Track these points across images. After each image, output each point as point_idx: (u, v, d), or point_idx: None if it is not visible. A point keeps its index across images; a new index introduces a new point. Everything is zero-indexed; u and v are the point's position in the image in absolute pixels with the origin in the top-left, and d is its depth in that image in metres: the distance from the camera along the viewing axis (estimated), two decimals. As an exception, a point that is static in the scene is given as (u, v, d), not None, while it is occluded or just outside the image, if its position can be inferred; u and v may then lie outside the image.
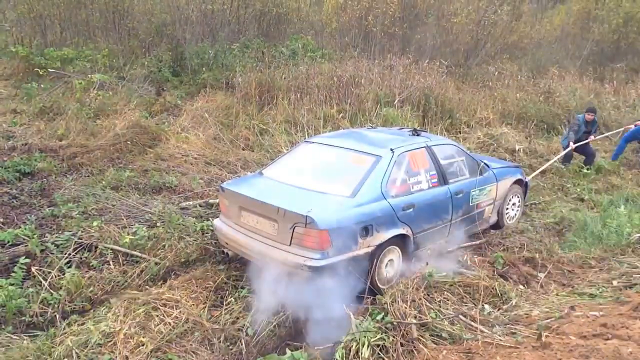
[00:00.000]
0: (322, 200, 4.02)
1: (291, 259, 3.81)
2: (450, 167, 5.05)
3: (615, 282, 4.40)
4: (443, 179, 4.88)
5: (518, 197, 6.12)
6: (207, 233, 5.08)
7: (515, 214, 6.14)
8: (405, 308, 3.57)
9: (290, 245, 3.89)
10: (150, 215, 5.26)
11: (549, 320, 3.44)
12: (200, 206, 5.72)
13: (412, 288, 3.71)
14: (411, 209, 4.39)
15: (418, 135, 5.16)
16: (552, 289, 4.47)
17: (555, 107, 10.90)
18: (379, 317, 3.56)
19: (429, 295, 3.75)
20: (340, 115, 9.12)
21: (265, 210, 4.08)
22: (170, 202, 5.79)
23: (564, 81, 12.93)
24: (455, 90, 11.09)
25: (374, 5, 12.93)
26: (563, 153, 8.24)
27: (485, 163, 5.59)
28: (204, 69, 11.29)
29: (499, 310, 3.79)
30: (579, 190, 7.24)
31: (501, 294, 3.95)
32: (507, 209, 5.96)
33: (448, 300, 3.79)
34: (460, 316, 3.57)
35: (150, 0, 12.72)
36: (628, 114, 11.25)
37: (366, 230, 3.99)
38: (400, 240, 4.32)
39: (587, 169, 7.94)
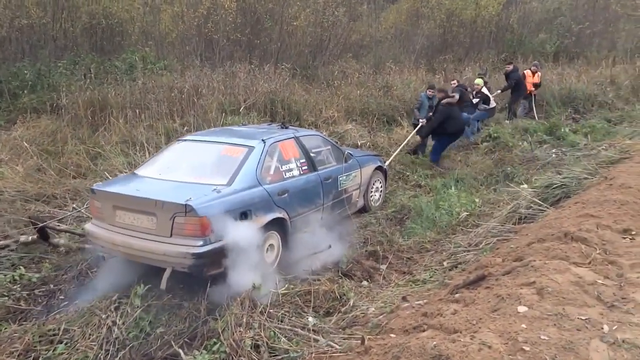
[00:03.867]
0: (200, 190, 4.08)
1: (173, 249, 3.85)
2: (318, 156, 5.51)
3: (445, 264, 4.67)
4: (312, 166, 5.31)
5: (380, 181, 6.82)
6: (19, 283, 4.35)
7: (379, 197, 6.79)
8: (241, 332, 3.34)
9: (171, 236, 3.90)
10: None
11: (381, 317, 3.46)
12: (12, 251, 4.90)
13: (247, 308, 3.48)
14: (286, 194, 4.72)
15: (286, 128, 5.63)
16: (393, 279, 4.61)
17: (394, 100, 11.58)
18: (214, 348, 3.29)
19: (266, 312, 3.55)
20: (185, 128, 8.63)
21: (141, 206, 4.04)
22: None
23: (402, 75, 13.87)
24: (301, 92, 11.20)
25: (212, 12, 12.54)
26: (413, 132, 8.94)
27: (349, 152, 6.12)
28: (24, 91, 9.92)
29: (338, 313, 3.75)
30: (416, 177, 7.69)
31: (340, 296, 3.93)
32: (371, 193, 6.59)
33: (288, 313, 3.65)
34: (298, 329, 3.44)
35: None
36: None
37: (245, 215, 4.16)
38: (278, 225, 4.57)
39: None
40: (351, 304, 3.83)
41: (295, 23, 13.72)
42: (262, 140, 4.82)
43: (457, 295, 3.18)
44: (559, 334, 2.40)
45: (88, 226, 4.45)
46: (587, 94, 12.89)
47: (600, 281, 2.99)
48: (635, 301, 2.78)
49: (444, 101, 8.33)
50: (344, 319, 3.64)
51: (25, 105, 9.34)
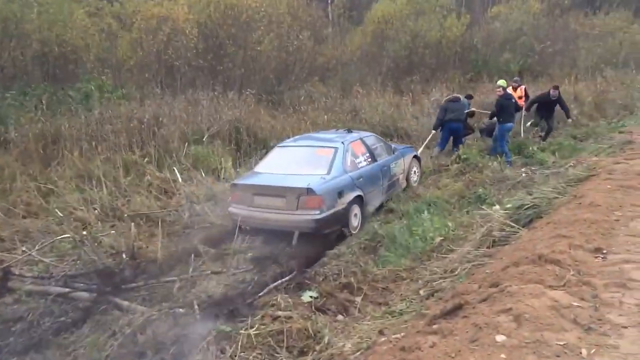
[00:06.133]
0: (311, 178, 6.33)
1: (301, 217, 6.15)
2: (376, 150, 7.80)
3: (421, 292, 4.68)
4: (374, 158, 7.60)
5: (416, 167, 9.08)
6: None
7: (417, 179, 8.98)
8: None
9: (297, 209, 6.16)
10: None
11: (358, 354, 3.43)
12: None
13: (215, 356, 3.39)
14: (361, 179, 7.00)
15: (352, 132, 7.97)
16: (369, 312, 4.60)
17: (362, 124, 11.76)
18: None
19: (236, 358, 3.47)
20: (145, 159, 8.53)
21: (274, 191, 6.37)
22: None
23: (369, 98, 14.13)
24: (267, 118, 11.27)
25: (172, 38, 12.57)
26: (430, 137, 10.76)
27: (394, 146, 8.59)
28: (-32, 126, 9.62)
29: (313, 352, 3.70)
30: (387, 201, 7.78)
31: (315, 334, 3.88)
32: (411, 175, 8.81)
33: (260, 356, 3.58)
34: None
35: None
36: (427, 124, 12.64)
37: (340, 194, 6.48)
38: (358, 200, 6.85)
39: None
40: (326, 341, 3.78)
41: (259, 48, 13.89)
42: (342, 142, 7.10)
43: (435, 327, 3.19)
44: (538, 363, 2.43)
45: (231, 208, 6.63)
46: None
47: (575, 303, 3.07)
48: (610, 322, 2.86)
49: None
50: (319, 359, 3.59)
51: (-31, 140, 9.05)
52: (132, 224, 6.25)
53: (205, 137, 9.41)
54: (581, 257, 3.76)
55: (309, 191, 6.10)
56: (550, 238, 4.21)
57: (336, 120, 11.60)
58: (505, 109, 9.86)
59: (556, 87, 11.14)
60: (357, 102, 12.99)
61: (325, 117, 11.67)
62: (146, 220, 6.97)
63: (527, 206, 5.50)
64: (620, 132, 10.90)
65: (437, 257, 5.55)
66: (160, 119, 9.57)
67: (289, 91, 14.28)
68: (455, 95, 11.02)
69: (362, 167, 7.18)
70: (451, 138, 10.60)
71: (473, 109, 11.26)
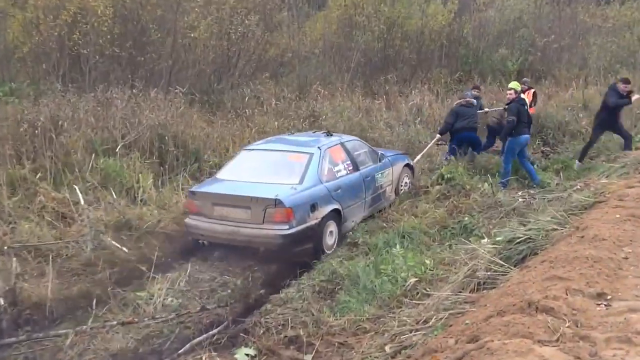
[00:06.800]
0: (280, 188, 6.94)
1: (266, 232, 6.77)
2: (359, 157, 8.50)
3: (387, 348, 4.69)
4: (355, 167, 8.29)
5: (408, 176, 9.94)
6: None
7: (407, 189, 9.75)
8: None
9: (263, 223, 6.75)
10: None
11: None
12: None
13: None
14: (339, 190, 7.66)
15: (331, 135, 8.58)
16: (321, 374, 4.56)
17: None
18: None
19: None
20: (38, 175, 8.30)
21: (238, 201, 6.99)
22: None
23: (333, 100, 14.25)
24: (202, 125, 11.23)
25: (80, 20, 12.35)
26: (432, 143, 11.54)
27: (382, 152, 9.20)
28: None
29: None
30: (351, 232, 7.81)
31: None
32: (401, 187, 9.63)
33: None
34: None
35: None
36: (403, 134, 12.85)
37: (313, 207, 7.10)
38: (335, 214, 7.52)
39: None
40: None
41: (193, 34, 13.81)
42: (318, 147, 7.73)
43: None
44: None
45: (187, 220, 7.26)
46: (557, 122, 13.88)
47: (570, 364, 3.12)
48: (611, 388, 2.92)
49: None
50: None
51: None
52: (14, 258, 6.08)
53: (119, 147, 9.23)
54: (580, 304, 3.83)
55: (277, 202, 6.65)
56: (544, 280, 4.30)
57: (289, 127, 11.64)
58: (520, 116, 9.99)
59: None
60: (317, 106, 13.06)
61: (276, 123, 11.70)
62: (35, 253, 6.77)
63: (519, 240, 5.62)
64: (636, 149, 11.28)
65: (409, 303, 5.60)
66: (60, 122, 9.30)
67: (231, 90, 14.16)
68: (468, 99, 11.35)
69: (341, 176, 7.86)
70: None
71: (486, 108, 11.67)
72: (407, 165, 9.91)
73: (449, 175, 9.53)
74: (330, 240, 7.46)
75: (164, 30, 13.55)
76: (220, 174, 7.81)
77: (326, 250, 7.27)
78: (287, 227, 6.69)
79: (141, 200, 8.37)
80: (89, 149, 9.04)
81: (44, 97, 10.41)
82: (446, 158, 11.02)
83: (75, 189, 7.99)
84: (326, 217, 7.27)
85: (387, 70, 18.18)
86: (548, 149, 12.68)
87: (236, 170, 7.72)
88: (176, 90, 11.43)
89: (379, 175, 8.76)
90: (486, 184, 9.25)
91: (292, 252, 6.87)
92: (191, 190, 7.52)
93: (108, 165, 8.67)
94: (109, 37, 12.59)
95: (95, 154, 8.95)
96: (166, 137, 9.78)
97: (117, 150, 9.20)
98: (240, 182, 7.36)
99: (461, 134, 10.94)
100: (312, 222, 7.04)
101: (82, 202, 7.77)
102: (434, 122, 14.25)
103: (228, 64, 14.96)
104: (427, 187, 9.59)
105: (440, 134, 11.41)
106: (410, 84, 17.59)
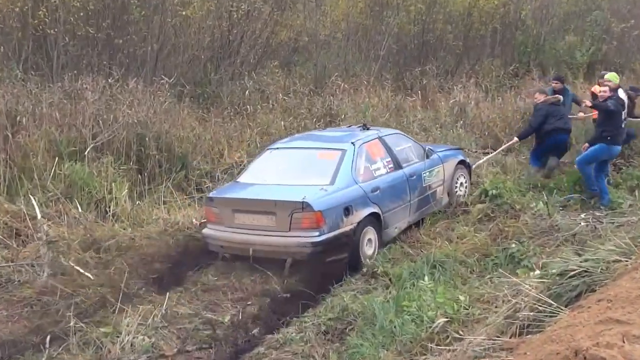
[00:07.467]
0: (309, 190, 7.37)
1: (293, 240, 7.20)
2: (401, 153, 8.90)
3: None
4: (397, 164, 8.71)
5: (464, 176, 10.30)
6: None
7: (464, 193, 10.14)
8: None
9: (289, 230, 7.20)
10: None
11: None
12: None
13: None
14: (378, 191, 8.05)
15: (368, 129, 9.04)
16: None
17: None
18: None
19: None
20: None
21: (261, 207, 7.51)
22: None
23: (356, 96, 14.33)
24: (192, 123, 11.34)
25: (45, -7, 12.59)
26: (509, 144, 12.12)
27: (429, 147, 9.63)
28: None
29: None
30: (369, 261, 7.87)
31: None
32: (456, 188, 9.99)
33: None
34: None
35: None
36: (441, 139, 12.91)
37: (347, 210, 7.50)
38: (374, 219, 7.91)
39: None
40: None
41: (184, 12, 13.93)
42: (352, 142, 8.18)
43: None
44: None
45: (205, 230, 7.87)
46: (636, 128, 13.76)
47: None
48: None
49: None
50: None
51: None
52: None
53: (88, 149, 9.40)
54: (639, 354, 3.89)
55: (304, 206, 7.06)
56: (598, 323, 4.34)
57: (299, 128, 11.73)
58: (615, 119, 9.83)
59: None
60: (334, 102, 13.14)
61: (283, 123, 11.79)
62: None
63: (573, 273, 5.64)
64: None
65: (436, 349, 5.63)
66: (18, 118, 9.50)
67: (230, 82, 14.16)
68: (557, 95, 11.67)
69: (380, 175, 8.33)
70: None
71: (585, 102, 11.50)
72: (462, 162, 10.32)
73: (494, 192, 9.54)
74: (369, 250, 7.78)
75: (149, 6, 13.69)
76: (242, 177, 8.40)
77: (365, 261, 7.59)
78: (317, 233, 7.09)
79: (113, 215, 8.50)
80: (52, 152, 9.21)
81: (0, 87, 10.60)
82: (535, 167, 11.43)
83: (32, 200, 8.11)
84: (363, 222, 7.62)
85: (425, 60, 18.27)
86: (622, 160, 12.57)
87: (259, 172, 8.25)
88: (162, 81, 11.55)
89: (427, 173, 9.13)
90: (540, 203, 9.25)
91: (324, 263, 7.21)
92: (209, 196, 8.07)
93: (74, 171, 8.83)
94: (82, 14, 12.79)
95: (59, 158, 9.11)
96: (147, 138, 9.94)
97: (86, 153, 9.36)
98: (263, 185, 7.86)
99: (555, 137, 11.03)
100: (347, 228, 7.39)
101: (39, 216, 7.87)
102: (481, 125, 14.33)
103: (228, 49, 14.96)
104: (467, 206, 9.63)
105: (520, 138, 11.66)
106: (453, 78, 17.59)
